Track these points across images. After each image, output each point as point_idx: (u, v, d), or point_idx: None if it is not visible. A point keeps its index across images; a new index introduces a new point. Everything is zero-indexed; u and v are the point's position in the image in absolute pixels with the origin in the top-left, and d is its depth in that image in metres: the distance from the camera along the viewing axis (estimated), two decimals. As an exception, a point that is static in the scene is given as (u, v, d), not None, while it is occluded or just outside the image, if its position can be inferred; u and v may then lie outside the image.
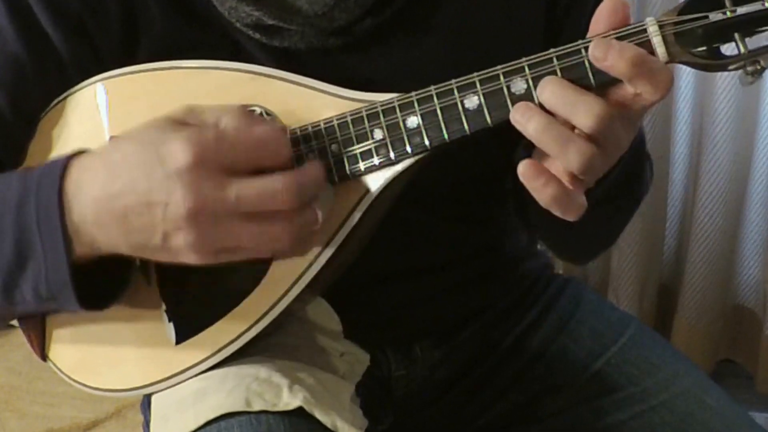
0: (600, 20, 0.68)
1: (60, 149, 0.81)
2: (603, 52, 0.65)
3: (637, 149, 0.79)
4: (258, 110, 0.76)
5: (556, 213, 0.68)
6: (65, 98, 0.81)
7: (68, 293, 0.70)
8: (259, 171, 0.67)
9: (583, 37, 0.69)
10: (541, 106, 0.67)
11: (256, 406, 0.71)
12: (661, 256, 1.74)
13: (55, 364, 0.83)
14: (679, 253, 1.74)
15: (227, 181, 0.65)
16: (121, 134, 0.72)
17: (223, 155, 0.65)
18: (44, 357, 0.83)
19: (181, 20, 0.79)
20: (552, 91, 0.67)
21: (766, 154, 1.57)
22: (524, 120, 0.67)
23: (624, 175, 0.78)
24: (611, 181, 0.75)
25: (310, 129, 0.74)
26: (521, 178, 0.67)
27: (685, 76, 1.57)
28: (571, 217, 0.68)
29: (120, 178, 0.66)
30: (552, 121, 0.67)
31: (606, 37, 0.67)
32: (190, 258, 0.67)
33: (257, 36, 0.79)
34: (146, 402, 0.86)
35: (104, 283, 0.75)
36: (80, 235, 0.69)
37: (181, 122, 0.67)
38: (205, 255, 0.67)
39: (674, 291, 1.73)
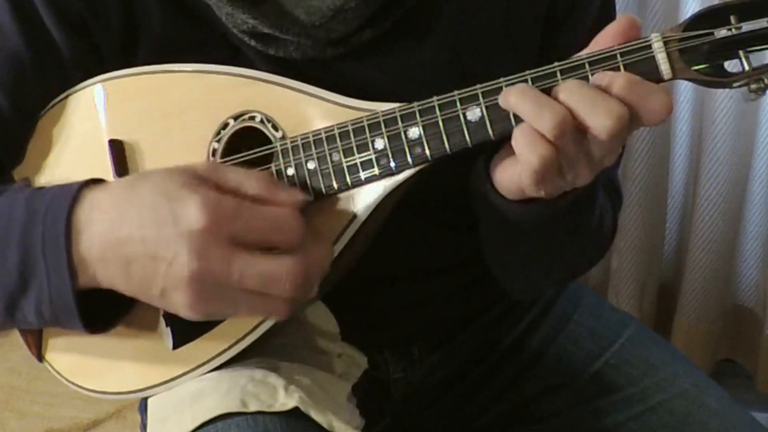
0: (611, 36, 0.68)
1: (59, 149, 0.81)
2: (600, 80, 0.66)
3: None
4: (258, 116, 0.75)
5: (534, 182, 0.67)
6: (64, 98, 0.81)
7: (73, 318, 0.71)
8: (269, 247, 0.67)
9: (580, 49, 0.69)
10: None
11: (252, 407, 0.71)
12: (661, 256, 1.74)
13: (51, 366, 0.83)
14: (679, 253, 1.73)
15: (234, 255, 0.65)
16: (139, 175, 0.72)
17: (236, 228, 0.65)
18: (41, 358, 0.83)
19: (182, 22, 0.79)
20: (570, 90, 0.66)
21: (766, 154, 1.56)
22: (504, 97, 0.68)
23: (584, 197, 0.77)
24: (572, 199, 0.74)
25: (310, 137, 0.73)
26: (514, 142, 0.67)
27: (686, 76, 1.57)
28: (547, 190, 0.68)
29: (130, 224, 0.66)
30: (530, 86, 0.67)
31: (611, 52, 0.67)
32: (184, 314, 0.68)
33: (253, 43, 0.78)
34: (143, 404, 0.86)
35: (108, 305, 0.74)
36: (84, 267, 0.69)
37: (203, 179, 0.67)
38: (198, 316, 0.68)
39: (674, 291, 1.73)
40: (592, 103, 0.65)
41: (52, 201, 0.70)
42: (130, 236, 0.66)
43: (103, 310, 0.75)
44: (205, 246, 0.64)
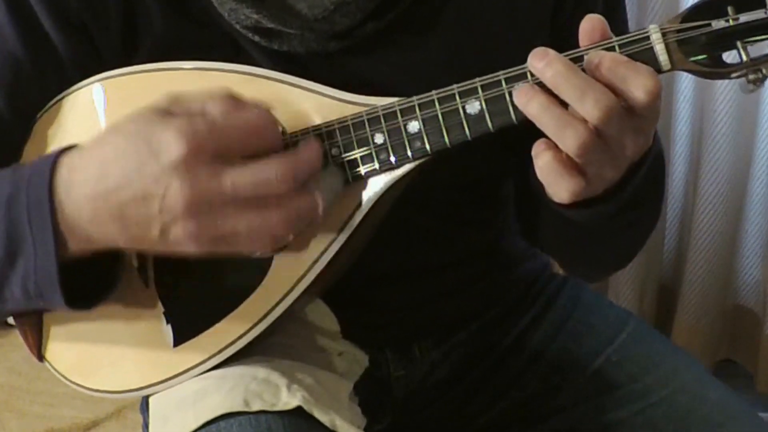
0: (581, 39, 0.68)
1: (57, 147, 0.81)
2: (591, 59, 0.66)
3: (658, 155, 0.79)
4: None
5: (552, 182, 0.68)
6: (62, 98, 0.81)
7: (54, 291, 0.70)
8: (251, 155, 0.67)
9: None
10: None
11: (255, 406, 0.71)
12: (661, 256, 1.74)
13: (52, 365, 0.83)
14: (679, 253, 1.74)
15: (222, 170, 0.65)
16: (107, 128, 0.72)
17: (216, 143, 0.65)
18: (41, 357, 0.83)
19: (181, 20, 0.79)
20: (558, 71, 0.66)
21: (766, 154, 1.57)
22: (526, 99, 0.67)
23: (649, 180, 0.77)
24: (636, 185, 0.74)
25: (310, 132, 0.73)
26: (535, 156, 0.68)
27: (685, 75, 1.58)
28: (564, 193, 0.69)
29: (113, 174, 0.66)
30: (554, 101, 0.67)
31: (609, 44, 0.67)
32: (188, 248, 0.67)
33: (257, 39, 0.78)
34: (145, 403, 0.86)
35: (92, 283, 0.74)
36: (76, 232, 0.68)
37: (167, 112, 0.67)
38: (203, 244, 0.67)
39: (674, 291, 1.73)
40: (581, 90, 0.65)
41: (32, 173, 0.70)
42: (117, 185, 0.66)
43: (90, 293, 0.74)
44: (191, 170, 0.64)
